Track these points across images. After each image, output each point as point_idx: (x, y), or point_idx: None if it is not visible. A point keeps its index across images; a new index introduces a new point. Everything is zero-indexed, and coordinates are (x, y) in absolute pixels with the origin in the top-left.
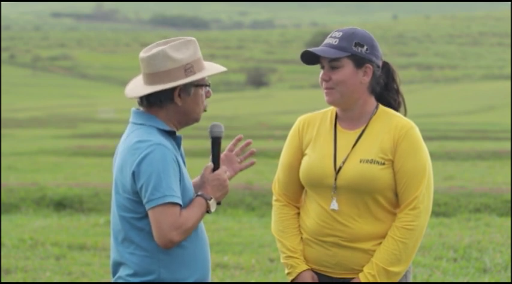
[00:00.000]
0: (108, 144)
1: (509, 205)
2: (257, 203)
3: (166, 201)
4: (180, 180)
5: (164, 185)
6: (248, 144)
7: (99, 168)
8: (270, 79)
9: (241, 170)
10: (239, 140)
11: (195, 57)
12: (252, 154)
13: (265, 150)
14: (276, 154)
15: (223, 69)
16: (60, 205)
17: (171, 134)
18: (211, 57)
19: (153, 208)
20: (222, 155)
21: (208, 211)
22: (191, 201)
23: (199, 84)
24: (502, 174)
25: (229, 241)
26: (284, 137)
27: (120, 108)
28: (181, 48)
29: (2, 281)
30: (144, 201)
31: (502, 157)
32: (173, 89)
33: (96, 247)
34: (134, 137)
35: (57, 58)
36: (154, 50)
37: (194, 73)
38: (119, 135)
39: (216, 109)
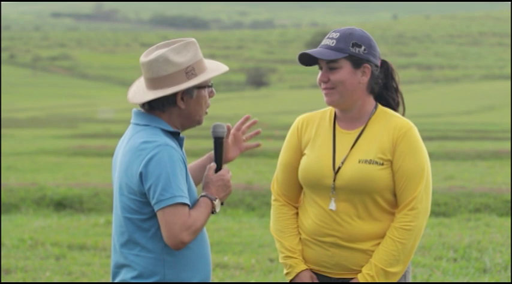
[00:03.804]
0: (108, 144)
1: (509, 205)
2: (257, 203)
3: (176, 202)
4: (186, 180)
5: (173, 185)
6: (254, 123)
7: (99, 168)
8: (270, 79)
9: (246, 149)
10: (247, 119)
11: (195, 59)
12: (257, 134)
13: (265, 150)
14: (276, 154)
15: (225, 69)
16: (60, 205)
17: (174, 135)
18: (211, 58)
19: (162, 208)
20: (229, 134)
21: (213, 212)
22: (196, 201)
23: (201, 86)
24: (502, 174)
25: (229, 241)
26: (284, 137)
27: (120, 108)
28: (181, 51)
29: (2, 281)
30: (153, 201)
31: (502, 157)
32: (175, 93)
33: (96, 247)
34: (139, 138)
35: (57, 58)
36: (154, 54)
37: (196, 75)
38: (118, 135)
39: (216, 109)
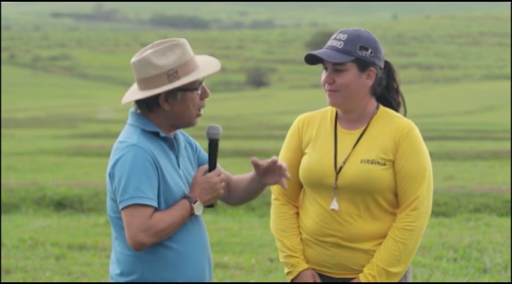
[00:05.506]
0: (108, 144)
1: (509, 205)
2: (257, 203)
3: (134, 202)
4: (159, 181)
5: (132, 186)
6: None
7: (99, 168)
8: (270, 79)
9: (275, 183)
10: (274, 163)
11: (180, 62)
12: (286, 178)
13: (265, 150)
14: (276, 154)
15: (214, 70)
16: (60, 205)
17: (156, 135)
18: None
19: (123, 209)
20: (265, 163)
21: (192, 214)
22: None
23: (186, 89)
24: (502, 174)
25: (229, 241)
26: (284, 137)
27: (120, 108)
28: (166, 53)
29: (2, 281)
30: (117, 202)
31: (502, 157)
32: (158, 95)
33: (96, 247)
34: (119, 138)
35: (57, 58)
36: (138, 56)
37: (178, 78)
38: (118, 135)
39: (216, 109)
